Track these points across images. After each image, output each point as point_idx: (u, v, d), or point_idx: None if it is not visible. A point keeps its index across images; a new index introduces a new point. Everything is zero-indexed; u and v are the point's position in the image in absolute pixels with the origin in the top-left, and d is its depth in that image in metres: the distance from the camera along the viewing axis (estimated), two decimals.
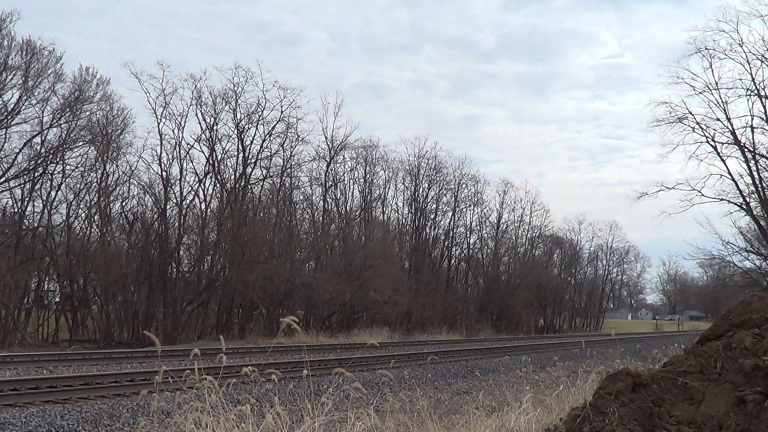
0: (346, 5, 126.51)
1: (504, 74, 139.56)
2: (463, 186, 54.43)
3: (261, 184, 39.30)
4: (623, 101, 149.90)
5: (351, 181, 47.23)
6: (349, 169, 46.75)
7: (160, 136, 34.87)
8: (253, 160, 37.57)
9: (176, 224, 35.58)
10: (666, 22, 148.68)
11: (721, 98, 33.46)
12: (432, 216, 53.02)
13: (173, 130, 35.80)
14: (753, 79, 32.56)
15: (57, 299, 34.14)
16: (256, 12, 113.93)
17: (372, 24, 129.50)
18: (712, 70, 34.13)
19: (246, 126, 37.32)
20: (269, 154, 38.35)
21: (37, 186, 31.58)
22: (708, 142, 34.13)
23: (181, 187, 35.47)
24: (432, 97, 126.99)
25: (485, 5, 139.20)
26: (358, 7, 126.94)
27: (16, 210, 31.14)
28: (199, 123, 36.45)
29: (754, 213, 34.79)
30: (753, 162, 33.57)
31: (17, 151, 30.14)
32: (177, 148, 35.28)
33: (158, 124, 34.94)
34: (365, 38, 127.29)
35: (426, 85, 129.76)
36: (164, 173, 34.89)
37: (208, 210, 37.28)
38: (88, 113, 32.41)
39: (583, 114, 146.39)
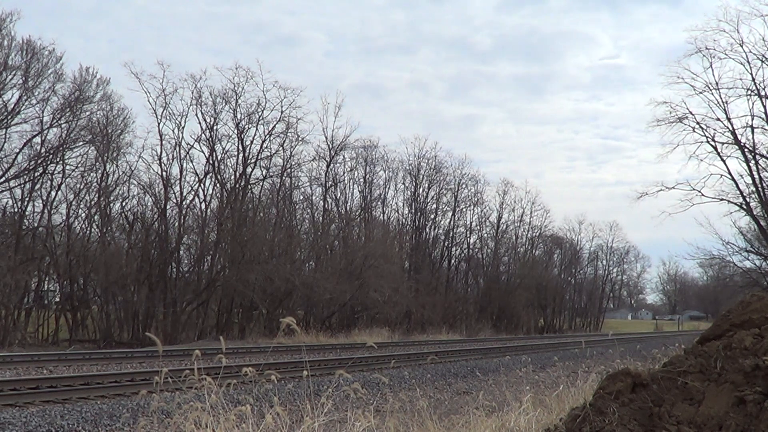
0: (344, 6, 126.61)
1: (501, 75, 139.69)
2: (463, 186, 54.55)
3: (261, 184, 39.38)
4: (620, 102, 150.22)
5: (351, 181, 47.34)
6: (349, 169, 46.86)
7: (160, 136, 34.95)
8: (253, 160, 37.61)
9: (176, 224, 35.61)
10: (662, 23, 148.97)
11: (721, 98, 33.46)
12: (432, 216, 53.13)
13: (173, 130, 35.89)
14: (753, 79, 32.56)
15: (57, 299, 34.16)
16: (254, 13, 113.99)
17: (369, 25, 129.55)
18: (713, 70, 34.10)
19: (246, 126, 37.40)
20: (269, 154, 38.44)
21: (37, 186, 31.62)
22: (708, 142, 34.13)
23: (181, 187, 35.55)
24: (430, 97, 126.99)
25: (482, 7, 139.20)
26: (356, 9, 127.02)
27: (16, 210, 31.18)
28: (199, 123, 36.54)
29: (754, 213, 34.77)
30: (753, 162, 33.57)
31: (17, 151, 30.24)
32: (177, 148, 35.36)
33: (158, 124, 35.05)
34: (363, 39, 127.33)
35: (424, 85, 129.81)
36: (164, 173, 34.98)
37: (208, 210, 37.33)
38: (88, 113, 32.52)
39: (580, 114, 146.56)
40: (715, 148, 34.11)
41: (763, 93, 32.43)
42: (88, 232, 35.08)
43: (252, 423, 4.94)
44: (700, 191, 34.27)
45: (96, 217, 34.54)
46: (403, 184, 51.55)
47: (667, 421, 4.62)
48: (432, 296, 48.08)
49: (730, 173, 34.04)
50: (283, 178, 40.02)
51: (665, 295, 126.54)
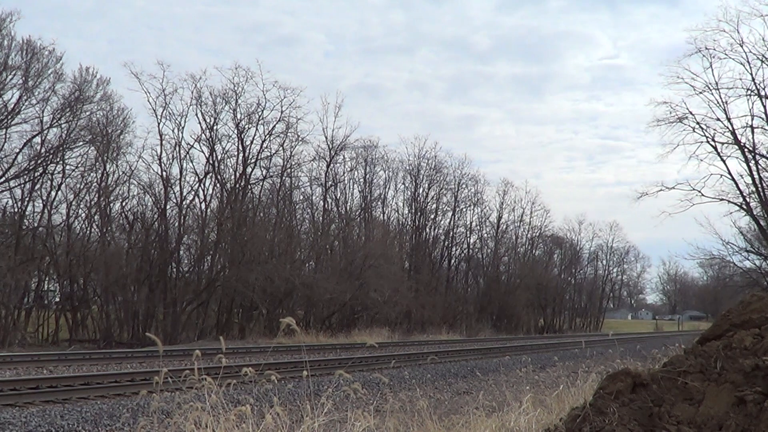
0: (343, 7, 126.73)
1: (500, 75, 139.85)
2: (463, 186, 54.53)
3: (261, 184, 39.36)
4: (619, 102, 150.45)
5: (351, 181, 47.33)
6: (349, 169, 46.84)
7: (160, 136, 34.92)
8: (253, 160, 37.59)
9: (176, 224, 35.59)
10: (660, 23, 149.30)
11: (721, 98, 33.46)
12: (432, 216, 53.09)
13: (173, 130, 35.88)
14: (753, 79, 32.56)
15: (57, 299, 34.16)
16: (253, 14, 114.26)
17: (368, 26, 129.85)
18: (713, 70, 34.17)
19: (246, 126, 37.36)
20: (269, 154, 38.41)
21: (37, 186, 31.62)
22: (708, 142, 34.14)
23: (181, 187, 35.52)
24: (429, 98, 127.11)
25: (481, 7, 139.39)
26: (355, 9, 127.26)
27: (16, 210, 31.17)
28: (199, 123, 36.51)
29: (754, 213, 34.78)
30: (753, 162, 33.58)
31: (17, 151, 30.23)
32: (177, 148, 35.33)
33: (158, 124, 35.01)
34: (362, 40, 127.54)
35: (423, 86, 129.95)
36: (164, 173, 34.94)
37: (208, 210, 37.32)
38: (88, 113, 32.50)
39: (579, 115, 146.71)
40: (715, 148, 34.15)
41: (763, 93, 32.45)
42: (88, 232, 35.11)
43: (252, 423, 4.94)
44: (700, 191, 34.32)
45: (96, 217, 34.54)
46: (403, 184, 51.62)
47: (667, 421, 4.62)
48: (432, 296, 48.07)
49: (730, 173, 34.08)
50: (283, 178, 40.05)
51: (665, 295, 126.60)
